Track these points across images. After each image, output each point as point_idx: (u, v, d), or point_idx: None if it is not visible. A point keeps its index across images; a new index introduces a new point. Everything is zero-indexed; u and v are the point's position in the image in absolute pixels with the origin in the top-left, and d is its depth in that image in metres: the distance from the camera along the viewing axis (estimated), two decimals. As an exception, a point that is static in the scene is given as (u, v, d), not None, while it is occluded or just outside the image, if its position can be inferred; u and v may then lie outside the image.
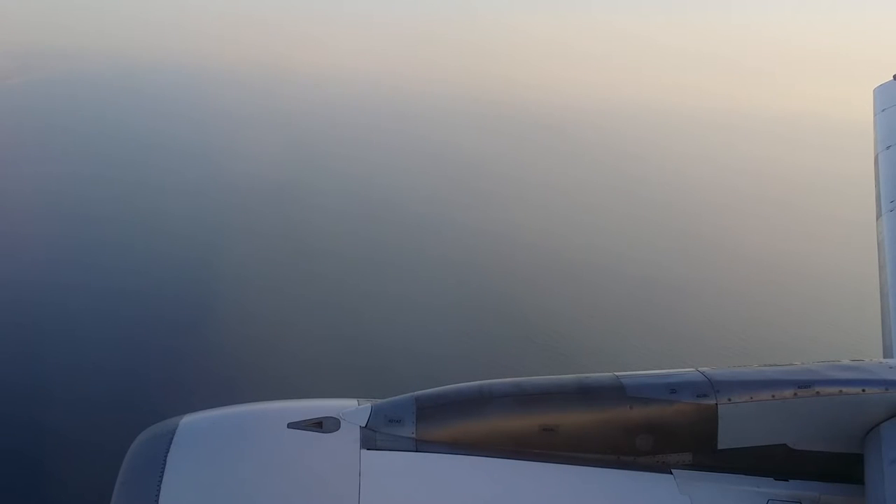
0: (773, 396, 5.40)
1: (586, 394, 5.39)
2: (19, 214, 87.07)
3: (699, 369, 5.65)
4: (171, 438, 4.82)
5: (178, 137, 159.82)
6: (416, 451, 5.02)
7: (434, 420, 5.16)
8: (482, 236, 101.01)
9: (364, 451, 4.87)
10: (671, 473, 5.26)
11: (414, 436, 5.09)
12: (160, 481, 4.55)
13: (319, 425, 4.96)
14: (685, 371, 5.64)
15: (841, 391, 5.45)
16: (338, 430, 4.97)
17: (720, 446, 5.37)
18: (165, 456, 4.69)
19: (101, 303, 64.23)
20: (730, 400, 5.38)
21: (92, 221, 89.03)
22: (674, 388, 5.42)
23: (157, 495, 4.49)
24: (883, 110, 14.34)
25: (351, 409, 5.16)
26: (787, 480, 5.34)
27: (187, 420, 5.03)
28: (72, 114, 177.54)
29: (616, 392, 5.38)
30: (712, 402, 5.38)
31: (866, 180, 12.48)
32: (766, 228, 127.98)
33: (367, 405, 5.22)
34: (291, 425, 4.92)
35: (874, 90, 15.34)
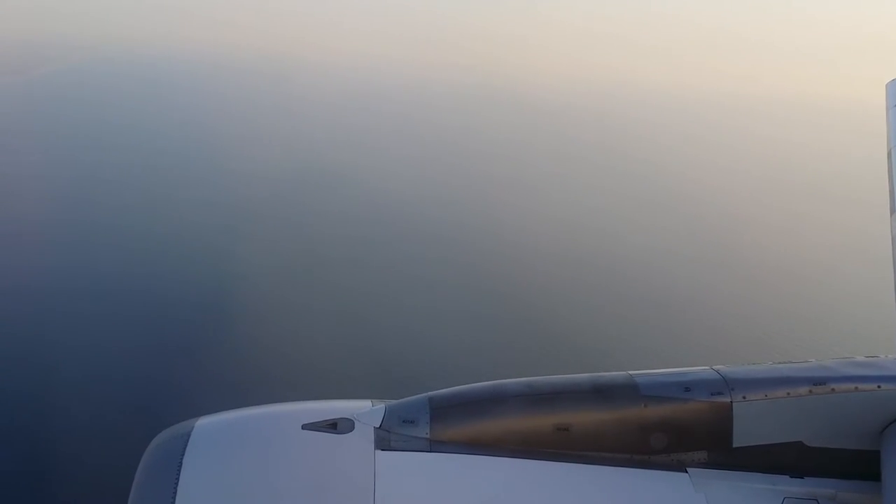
0: (788, 394, 5.39)
1: (600, 393, 5.39)
2: (26, 209, 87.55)
3: (713, 367, 5.65)
4: (187, 441, 4.86)
5: (181, 131, 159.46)
6: (431, 452, 5.04)
7: (448, 420, 5.18)
8: (493, 231, 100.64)
9: (378, 452, 4.90)
10: (686, 472, 5.26)
11: (428, 436, 5.11)
12: (176, 483, 4.60)
13: (334, 426, 4.99)
14: (699, 369, 5.64)
15: (856, 388, 5.43)
16: (352, 431, 5.00)
17: (735, 444, 5.36)
18: (181, 458, 4.74)
19: (105, 302, 64.25)
20: (744, 398, 5.38)
21: (98, 217, 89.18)
22: (688, 387, 5.42)
23: (174, 497, 4.53)
24: None
25: (365, 410, 5.19)
26: (802, 478, 5.33)
27: (202, 422, 5.07)
28: (77, 108, 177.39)
29: (630, 391, 5.39)
30: (727, 400, 5.37)
31: (883, 172, 12.35)
32: (781, 222, 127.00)
33: (380, 406, 5.25)
34: (306, 427, 4.95)
35: (887, 84, 15.17)
